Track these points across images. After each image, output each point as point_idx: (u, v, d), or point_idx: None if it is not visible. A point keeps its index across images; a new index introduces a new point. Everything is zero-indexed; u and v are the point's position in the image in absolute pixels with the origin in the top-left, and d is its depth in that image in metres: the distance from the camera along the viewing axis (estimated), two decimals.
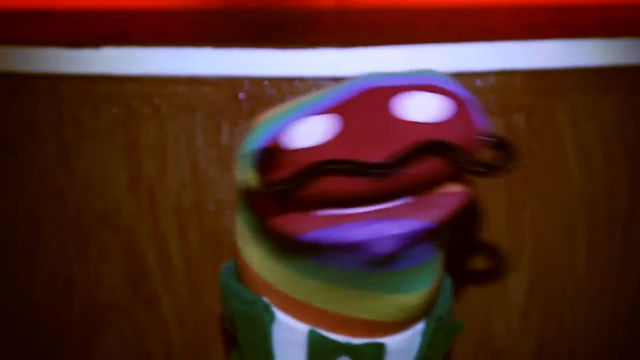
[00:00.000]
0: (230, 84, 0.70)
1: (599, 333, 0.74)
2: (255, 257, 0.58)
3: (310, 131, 0.52)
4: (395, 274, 0.54)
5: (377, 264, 0.53)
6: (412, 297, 0.55)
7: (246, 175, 0.53)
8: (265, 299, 0.57)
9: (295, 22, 0.86)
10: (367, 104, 0.53)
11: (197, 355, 0.73)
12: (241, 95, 0.70)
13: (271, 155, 0.51)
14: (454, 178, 0.53)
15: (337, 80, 0.70)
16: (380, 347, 0.56)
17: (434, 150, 0.49)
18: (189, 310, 0.73)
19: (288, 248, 0.55)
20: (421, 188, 0.51)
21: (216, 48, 0.70)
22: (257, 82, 0.70)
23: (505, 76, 0.70)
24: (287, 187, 0.50)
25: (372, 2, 0.93)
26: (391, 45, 0.70)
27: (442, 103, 0.52)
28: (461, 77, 0.70)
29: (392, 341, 0.56)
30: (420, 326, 0.57)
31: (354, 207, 0.51)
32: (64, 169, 0.71)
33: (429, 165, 0.50)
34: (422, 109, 0.51)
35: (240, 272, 0.59)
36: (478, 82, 0.70)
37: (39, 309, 0.73)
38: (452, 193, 0.52)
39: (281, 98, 0.70)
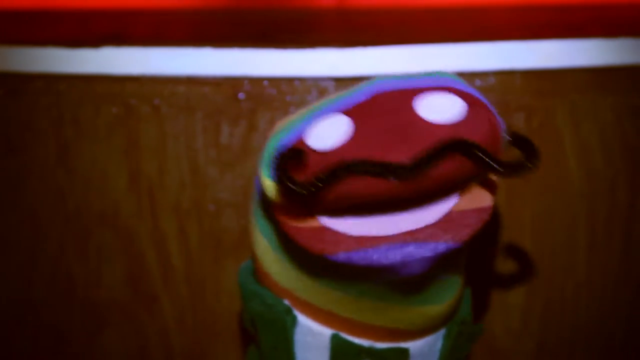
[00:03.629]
0: (230, 84, 0.70)
1: (599, 333, 0.74)
2: (275, 266, 0.57)
3: (328, 133, 0.51)
4: (424, 287, 0.54)
5: (405, 280, 0.52)
6: (439, 307, 0.55)
7: (267, 183, 0.51)
8: (286, 302, 0.56)
9: (295, 22, 0.86)
10: (385, 105, 0.52)
11: (197, 356, 0.73)
12: (241, 95, 0.70)
13: (292, 157, 0.49)
14: (476, 190, 0.52)
15: (337, 80, 0.70)
16: (404, 352, 0.56)
17: (459, 149, 0.48)
18: (189, 310, 0.73)
19: (313, 262, 0.54)
20: (444, 192, 0.50)
21: (216, 48, 0.70)
22: (257, 82, 0.70)
23: (505, 76, 0.70)
24: (312, 189, 0.48)
25: (372, 2, 0.93)
26: (391, 45, 0.70)
27: (460, 103, 0.51)
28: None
29: (415, 346, 0.56)
30: (442, 330, 0.58)
31: (376, 215, 0.51)
32: (64, 169, 0.71)
33: (453, 166, 0.49)
34: (441, 109, 0.51)
35: (258, 275, 0.58)
36: (478, 82, 0.70)
37: (39, 309, 0.73)
38: (476, 210, 0.51)
39: (281, 98, 0.70)
